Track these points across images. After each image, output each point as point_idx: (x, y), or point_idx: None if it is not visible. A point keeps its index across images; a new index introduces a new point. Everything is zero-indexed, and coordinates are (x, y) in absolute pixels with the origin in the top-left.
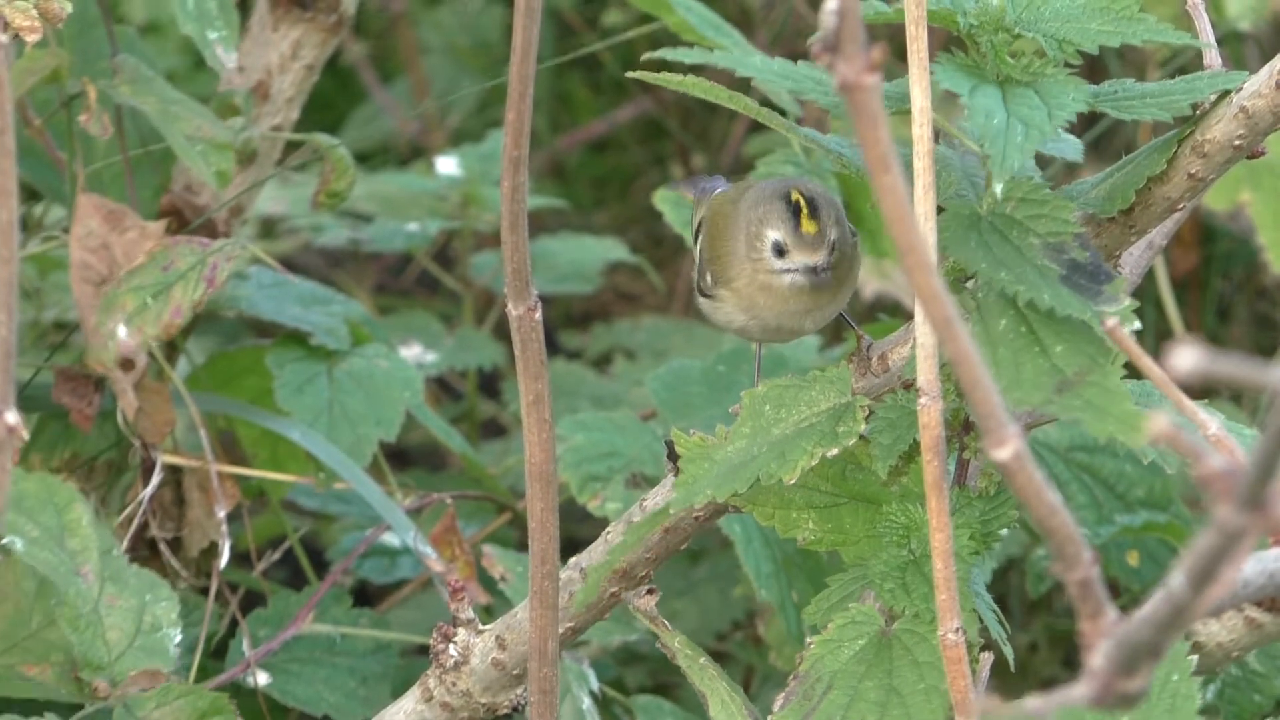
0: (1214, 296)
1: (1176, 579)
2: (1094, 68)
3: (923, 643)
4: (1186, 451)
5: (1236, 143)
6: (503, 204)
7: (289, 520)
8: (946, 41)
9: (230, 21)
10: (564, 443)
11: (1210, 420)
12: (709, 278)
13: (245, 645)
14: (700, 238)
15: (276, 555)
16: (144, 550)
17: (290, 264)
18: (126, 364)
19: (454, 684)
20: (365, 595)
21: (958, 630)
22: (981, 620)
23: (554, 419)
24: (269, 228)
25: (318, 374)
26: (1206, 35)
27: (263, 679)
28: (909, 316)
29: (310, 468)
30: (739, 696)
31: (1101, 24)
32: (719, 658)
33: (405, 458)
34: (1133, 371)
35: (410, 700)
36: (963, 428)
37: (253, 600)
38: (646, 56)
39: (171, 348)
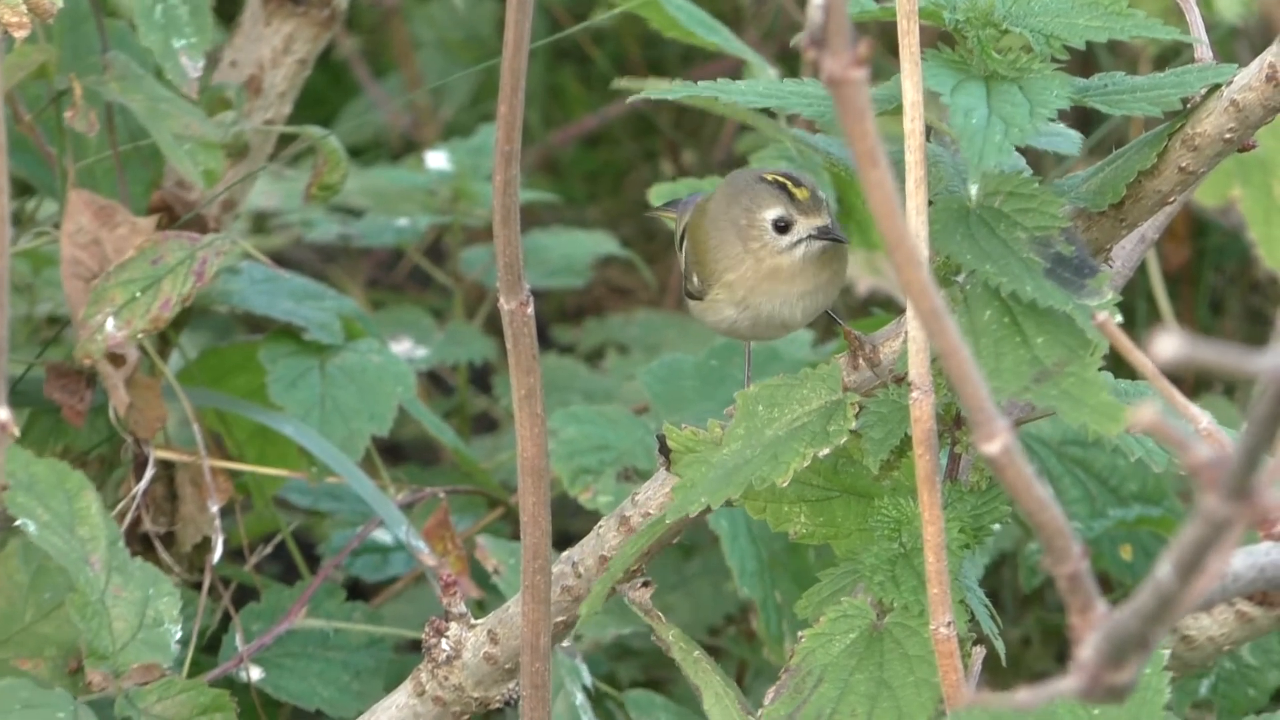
0: (1206, 290)
1: (1164, 570)
2: (1086, 63)
3: (914, 636)
4: (1172, 441)
5: (1227, 136)
6: (495, 198)
7: (281, 516)
8: (936, 38)
9: (201, 28)
10: (556, 436)
11: (1201, 414)
12: (695, 280)
13: (238, 640)
14: (684, 245)
15: (268, 549)
16: (137, 545)
17: (282, 259)
18: (117, 359)
19: (446, 678)
20: (358, 591)
21: (949, 624)
22: (973, 614)
23: (546, 413)
24: (261, 222)
25: (310, 369)
26: (1197, 29)
27: (255, 674)
28: (901, 311)
29: (299, 465)
30: (733, 690)
31: (1089, 19)
32: (711, 652)
33: (398, 452)
34: (1126, 368)
35: (403, 694)
36: (954, 422)
37: (245, 595)
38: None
39: (164, 343)
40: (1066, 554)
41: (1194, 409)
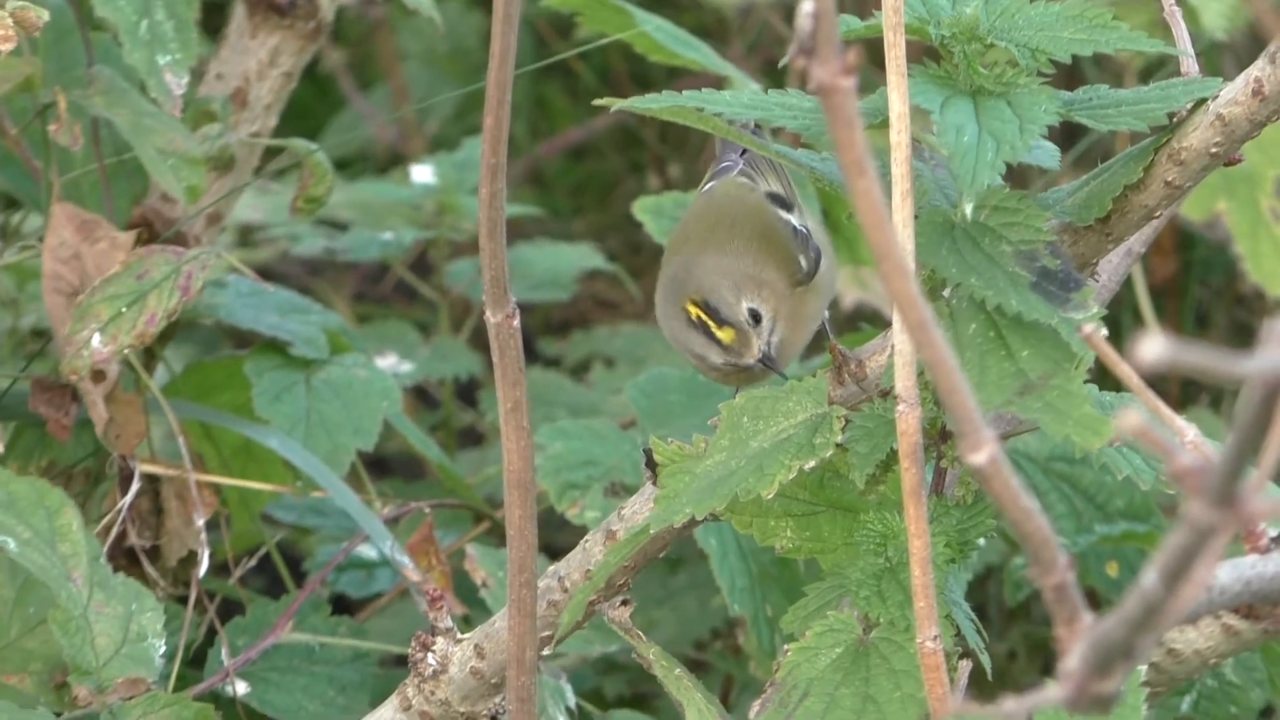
0: (1193, 304)
1: (1149, 577)
2: (1071, 76)
3: (899, 651)
4: (1157, 448)
5: (1213, 150)
6: (480, 210)
7: (267, 531)
8: (921, 52)
9: (186, 43)
10: (543, 451)
11: (1187, 426)
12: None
13: (224, 654)
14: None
15: (253, 562)
16: (122, 559)
17: (268, 272)
18: (97, 375)
19: (432, 693)
20: (343, 606)
21: (935, 638)
22: (959, 628)
23: (532, 426)
24: (247, 236)
25: (295, 383)
26: (1183, 42)
27: (241, 688)
28: (889, 325)
29: (284, 481)
30: (715, 706)
31: (1074, 32)
32: (698, 667)
33: (383, 467)
34: (1113, 380)
35: (389, 709)
36: (940, 436)
37: (231, 609)
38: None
39: (150, 357)
40: (1052, 564)
41: (1180, 421)
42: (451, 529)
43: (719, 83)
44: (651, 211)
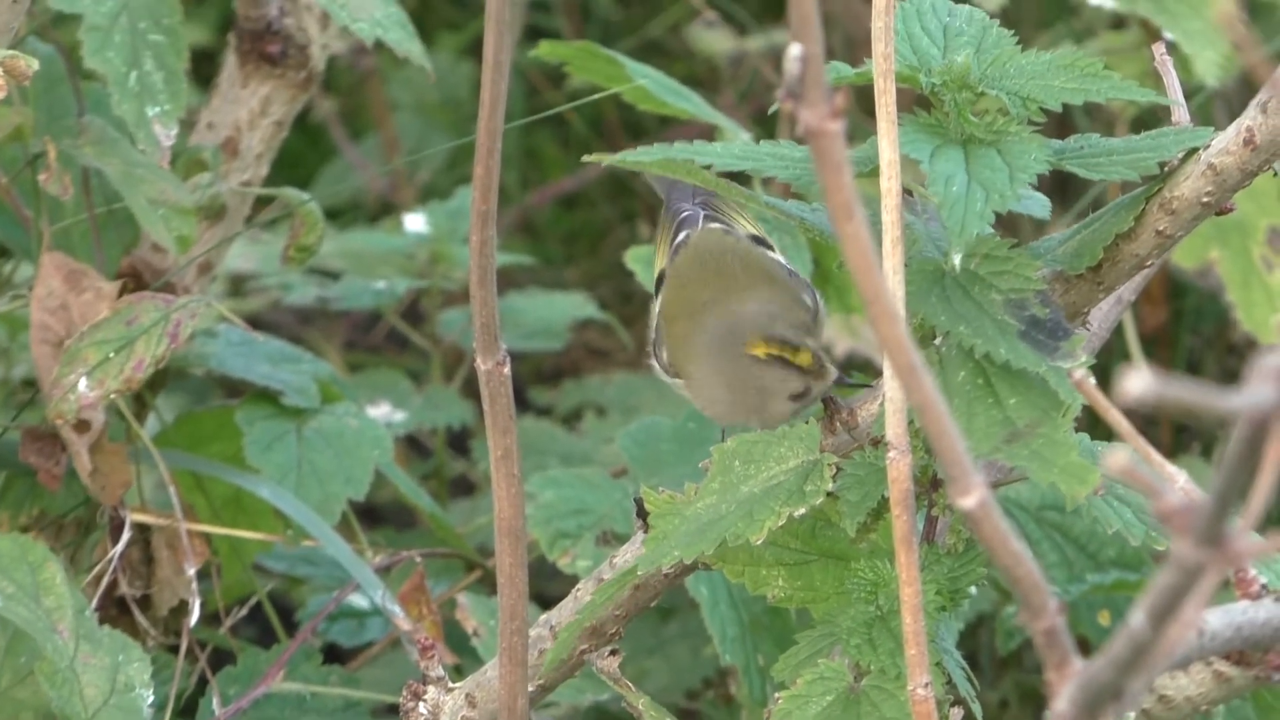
0: (1184, 352)
1: (1137, 618)
2: (1063, 124)
3: (890, 699)
4: (1144, 488)
5: (1205, 200)
6: (471, 258)
7: (258, 580)
8: (912, 100)
9: (175, 94)
10: (534, 499)
11: (1178, 473)
12: (665, 357)
13: (215, 703)
14: (660, 299)
15: (244, 611)
16: (113, 609)
17: (259, 321)
18: (81, 425)
19: None
20: (335, 655)
21: (926, 685)
22: (950, 676)
23: (523, 475)
24: (238, 285)
25: (287, 432)
26: (1174, 91)
27: None
28: (879, 374)
29: (274, 531)
30: None
31: (1065, 81)
32: (690, 716)
33: (375, 515)
34: (1103, 429)
35: None
36: (931, 484)
37: (222, 659)
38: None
39: (141, 405)
40: (1043, 609)
41: (1170, 468)
42: (443, 578)
43: (711, 132)
44: (643, 260)
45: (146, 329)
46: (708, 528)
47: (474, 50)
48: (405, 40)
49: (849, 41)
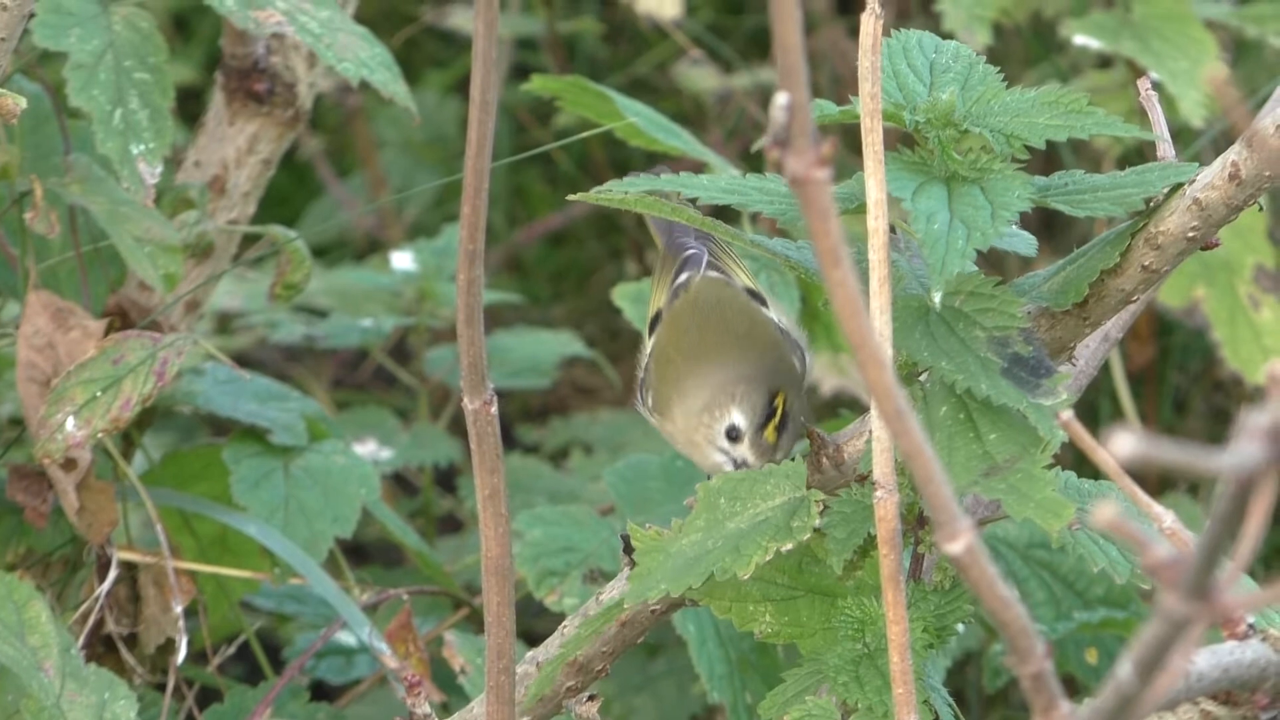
0: (1170, 390)
1: (1124, 669)
2: (1049, 161)
3: None
4: (1131, 539)
5: (1190, 234)
6: (459, 297)
7: (245, 618)
8: (896, 138)
9: (161, 132)
10: (521, 538)
11: (1165, 513)
12: (650, 399)
13: None
14: (654, 340)
15: (231, 649)
16: (100, 647)
17: (246, 359)
18: (68, 463)
19: None
20: (322, 693)
21: None
22: (937, 714)
23: (511, 513)
24: (225, 323)
25: (274, 470)
26: (1159, 128)
27: None
28: (867, 410)
29: (262, 568)
30: None
31: (1049, 118)
32: None
33: (362, 553)
34: (1090, 467)
35: None
36: (918, 521)
37: (209, 697)
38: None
39: (128, 444)
40: (1030, 653)
41: (1157, 508)
42: (430, 616)
43: (698, 168)
44: (630, 298)
45: (133, 368)
46: (694, 563)
47: (461, 87)
48: (391, 81)
49: (835, 78)
